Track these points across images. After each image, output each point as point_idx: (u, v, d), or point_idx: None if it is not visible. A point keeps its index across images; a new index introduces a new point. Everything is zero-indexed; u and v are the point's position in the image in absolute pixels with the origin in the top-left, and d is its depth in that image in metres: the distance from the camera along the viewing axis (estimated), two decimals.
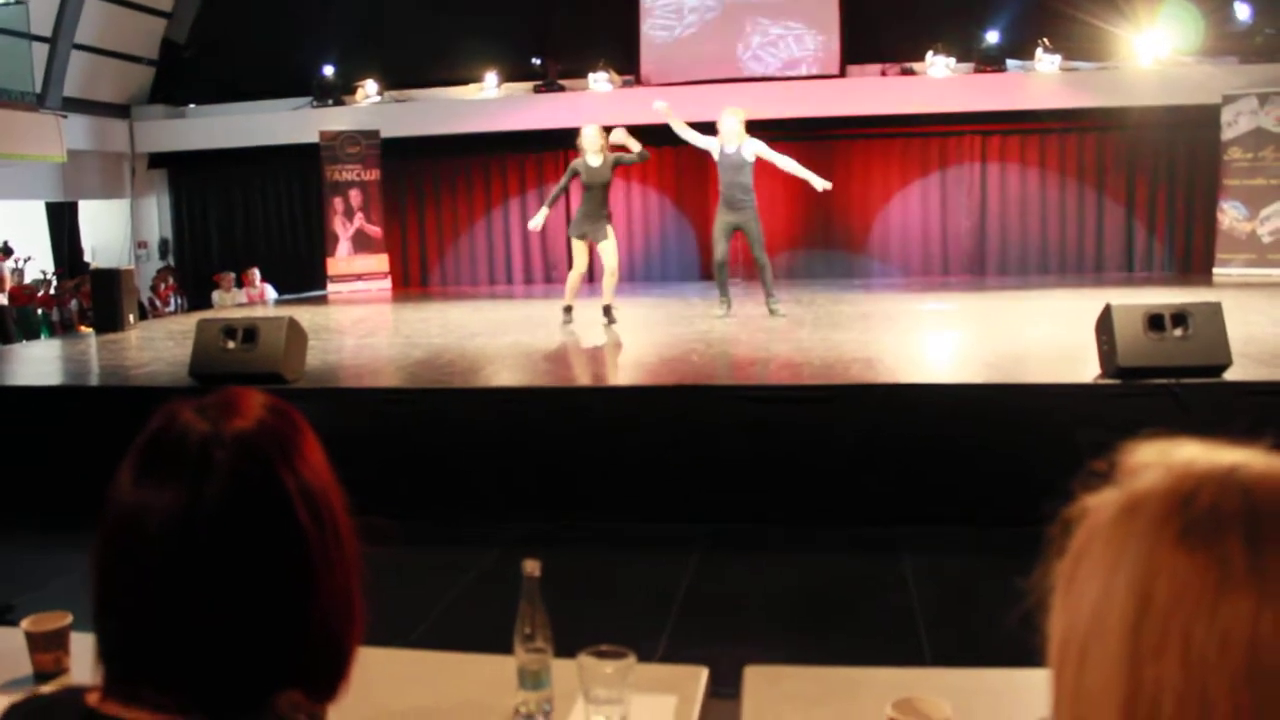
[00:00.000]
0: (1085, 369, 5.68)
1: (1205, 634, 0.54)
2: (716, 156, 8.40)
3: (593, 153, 8.33)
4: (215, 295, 12.93)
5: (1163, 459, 0.62)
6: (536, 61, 13.18)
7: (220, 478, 0.90)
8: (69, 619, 1.86)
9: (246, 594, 0.90)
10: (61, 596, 2.18)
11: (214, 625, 0.89)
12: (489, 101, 13.28)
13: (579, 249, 8.52)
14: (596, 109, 12.24)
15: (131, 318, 9.81)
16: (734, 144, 8.27)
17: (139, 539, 0.90)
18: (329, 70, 13.52)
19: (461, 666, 1.86)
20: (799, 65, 12.62)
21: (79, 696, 0.94)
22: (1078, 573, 0.62)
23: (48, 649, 1.84)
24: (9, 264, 11.81)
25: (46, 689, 1.04)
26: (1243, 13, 11.45)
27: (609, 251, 8.45)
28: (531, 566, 1.65)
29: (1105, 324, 5.53)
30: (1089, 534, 0.62)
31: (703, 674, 1.78)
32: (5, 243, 11.92)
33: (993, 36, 12.20)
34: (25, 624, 1.85)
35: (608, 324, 8.53)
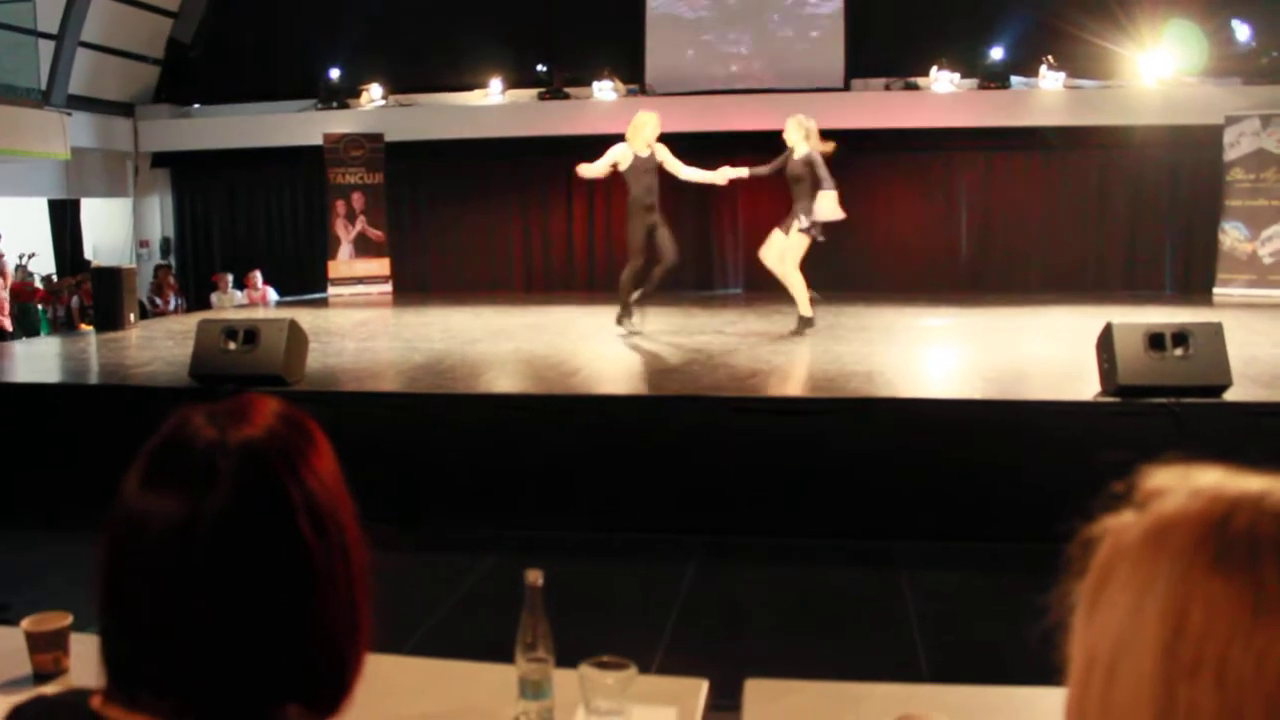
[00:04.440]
0: (1085, 386, 5.68)
1: (1241, 656, 0.55)
2: (626, 166, 8.20)
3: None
4: (214, 296, 12.93)
5: (1185, 483, 0.62)
6: (542, 68, 13.19)
7: (223, 488, 0.89)
8: (69, 619, 1.86)
9: (245, 605, 0.89)
10: (59, 595, 2.18)
11: (211, 634, 0.88)
12: (493, 108, 13.29)
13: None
14: (601, 118, 12.26)
15: (132, 317, 9.82)
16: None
17: (141, 545, 0.89)
18: (334, 73, 13.53)
19: (462, 675, 1.85)
20: (802, 78, 12.63)
21: (83, 699, 0.93)
22: (1102, 593, 0.62)
23: (47, 649, 1.84)
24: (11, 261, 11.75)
25: (51, 691, 1.03)
26: (1242, 33, 11.48)
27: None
28: (534, 576, 1.65)
29: (1106, 342, 5.54)
30: (1114, 555, 0.62)
31: (703, 686, 1.78)
32: None
33: (997, 53, 12.22)
34: (25, 624, 1.85)
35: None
